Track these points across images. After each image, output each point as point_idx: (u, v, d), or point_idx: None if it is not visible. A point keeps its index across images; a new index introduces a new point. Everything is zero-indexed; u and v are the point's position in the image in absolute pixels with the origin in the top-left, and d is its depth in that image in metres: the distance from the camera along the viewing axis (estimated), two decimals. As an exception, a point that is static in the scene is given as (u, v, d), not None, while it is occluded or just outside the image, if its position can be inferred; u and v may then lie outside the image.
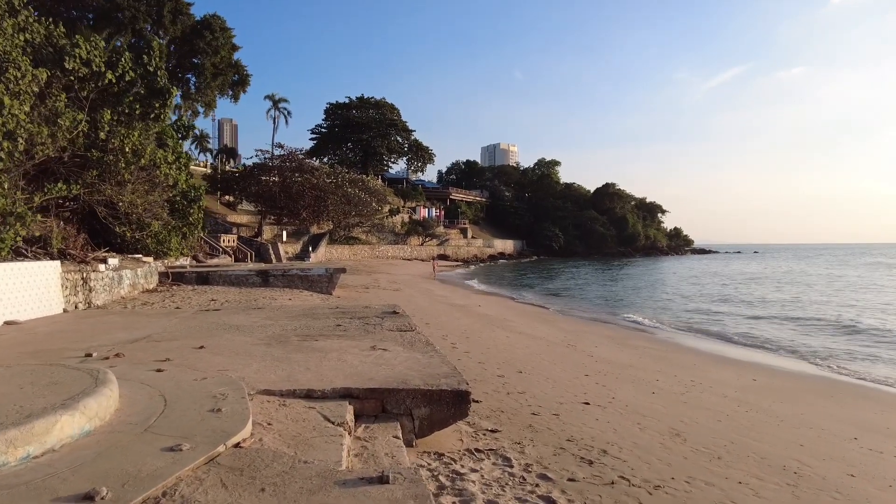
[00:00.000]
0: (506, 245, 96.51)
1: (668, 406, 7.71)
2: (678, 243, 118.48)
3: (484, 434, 5.56)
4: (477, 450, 5.08)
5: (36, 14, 13.57)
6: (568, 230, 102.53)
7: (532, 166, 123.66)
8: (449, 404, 5.01)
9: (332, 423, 4.33)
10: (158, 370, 5.54)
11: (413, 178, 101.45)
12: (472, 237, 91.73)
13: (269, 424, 4.24)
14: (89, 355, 6.43)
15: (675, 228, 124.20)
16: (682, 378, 9.97)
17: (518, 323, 16.90)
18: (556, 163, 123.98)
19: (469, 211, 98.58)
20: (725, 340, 16.16)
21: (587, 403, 7.28)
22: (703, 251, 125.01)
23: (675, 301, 28.09)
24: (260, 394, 4.96)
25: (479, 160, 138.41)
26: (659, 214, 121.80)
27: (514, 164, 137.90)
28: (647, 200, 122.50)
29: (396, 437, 4.57)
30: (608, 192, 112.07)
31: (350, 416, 4.64)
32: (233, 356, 6.52)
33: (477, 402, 6.63)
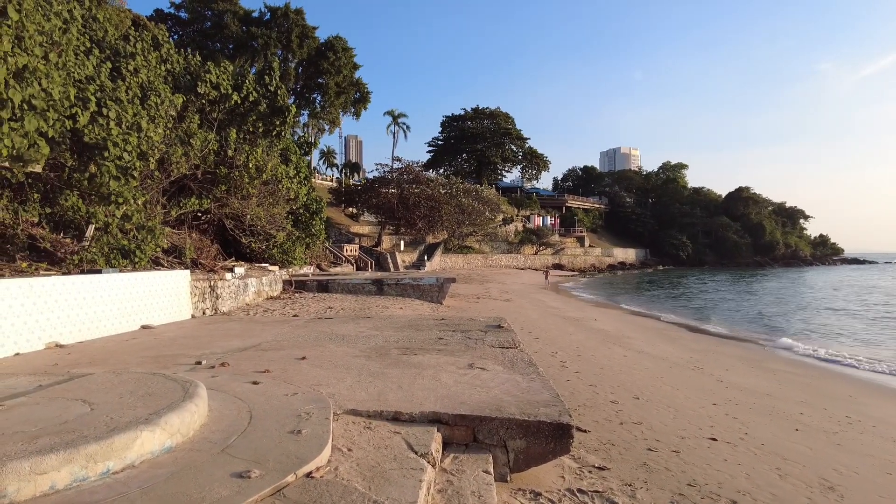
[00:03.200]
0: (626, 254, 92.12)
1: (817, 448, 6.47)
2: (824, 252, 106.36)
3: (590, 471, 4.91)
4: (580, 490, 4.46)
5: (181, 47, 15.02)
6: (696, 238, 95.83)
7: (656, 170, 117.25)
8: (548, 438, 4.44)
9: (416, 452, 3.96)
10: (255, 382, 5.56)
11: (527, 186, 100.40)
12: (590, 246, 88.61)
13: (349, 450, 3.97)
14: (199, 363, 6.68)
15: (821, 236, 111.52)
16: (834, 413, 8.45)
17: (638, 340, 15.68)
18: (682, 166, 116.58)
19: (586, 219, 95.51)
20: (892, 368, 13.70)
21: (714, 439, 6.29)
22: (855, 261, 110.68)
23: (821, 317, 24.78)
24: (347, 413, 4.74)
25: (597, 166, 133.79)
26: (801, 220, 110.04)
27: (636, 169, 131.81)
28: (787, 205, 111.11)
29: (487, 472, 4.10)
30: (741, 197, 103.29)
31: (436, 446, 4.25)
32: (330, 369, 6.44)
33: (584, 431, 5.96)
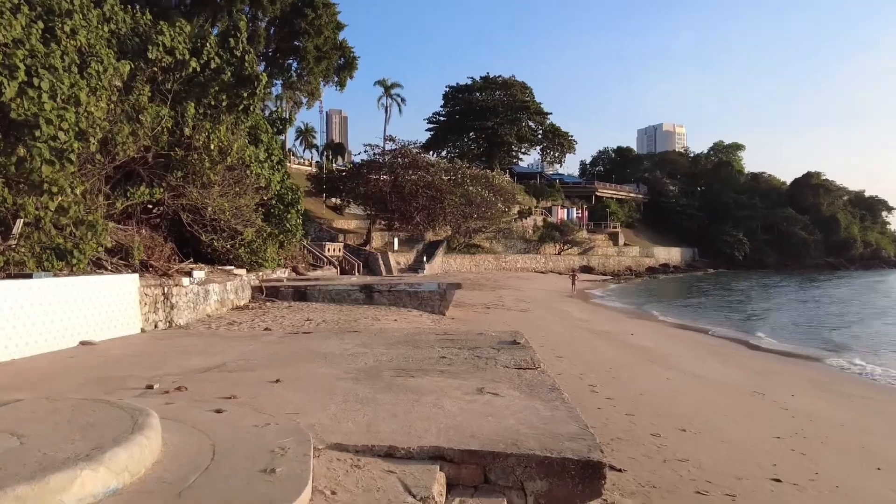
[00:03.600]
0: (670, 254, 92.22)
1: (907, 491, 6.47)
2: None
3: (627, 520, 4.92)
4: (615, 543, 4.48)
5: (128, 4, 15.07)
6: (755, 234, 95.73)
7: (705, 152, 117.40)
8: (574, 478, 4.45)
9: (414, 496, 3.98)
10: (219, 410, 5.58)
11: (548, 171, 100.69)
12: (625, 244, 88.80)
13: (332, 493, 3.98)
14: (150, 387, 6.71)
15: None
16: (928, 449, 8.44)
17: (684, 358, 15.70)
18: (737, 147, 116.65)
19: (620, 211, 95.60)
20: None
21: (778, 480, 6.30)
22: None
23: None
24: (330, 448, 4.76)
25: (634, 146, 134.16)
26: (883, 213, 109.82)
27: (681, 150, 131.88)
28: (866, 194, 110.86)
29: (501, 522, 4.11)
30: (810, 184, 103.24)
31: (439, 488, 4.26)
32: (311, 394, 6.47)
33: (619, 470, 5.97)
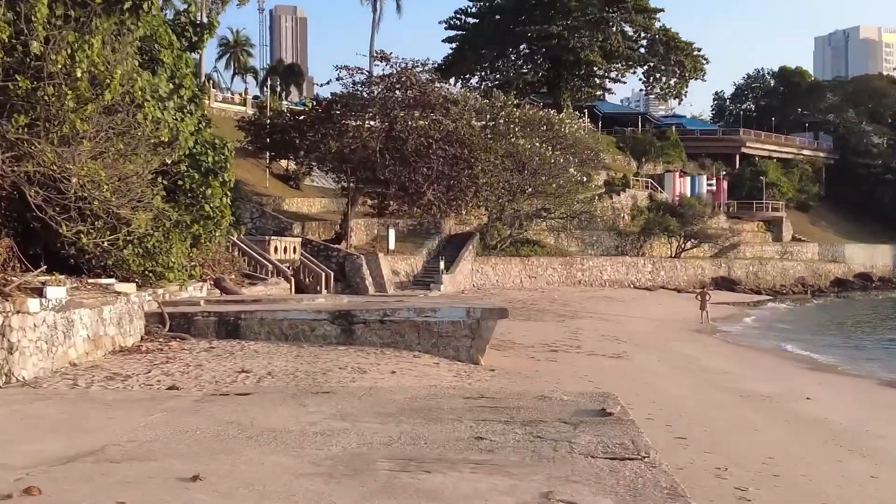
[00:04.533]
0: (873, 256, 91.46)
1: None
2: None
3: None
4: None
5: None
6: None
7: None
8: None
9: None
10: (97, 529, 5.65)
11: (657, 112, 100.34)
12: (794, 238, 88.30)
13: None
14: (-26, 491, 6.80)
15: None
16: None
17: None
18: None
19: (785, 181, 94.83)
20: None
21: None
22: None
23: None
24: None
25: (809, 67, 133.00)
26: None
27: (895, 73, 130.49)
28: None
29: None
30: None
31: None
32: None
33: None
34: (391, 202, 52.90)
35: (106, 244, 17.95)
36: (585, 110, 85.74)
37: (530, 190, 57.60)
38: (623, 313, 44.72)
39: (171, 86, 19.57)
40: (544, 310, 41.96)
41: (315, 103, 57.95)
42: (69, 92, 15.02)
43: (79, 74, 15.08)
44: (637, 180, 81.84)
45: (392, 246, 51.32)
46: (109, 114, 16.44)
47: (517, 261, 60.79)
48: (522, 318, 34.93)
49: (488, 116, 55.33)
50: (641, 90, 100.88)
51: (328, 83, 61.62)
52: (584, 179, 64.20)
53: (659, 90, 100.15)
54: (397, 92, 51.37)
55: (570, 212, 65.59)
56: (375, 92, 51.74)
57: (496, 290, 53.75)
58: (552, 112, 65.69)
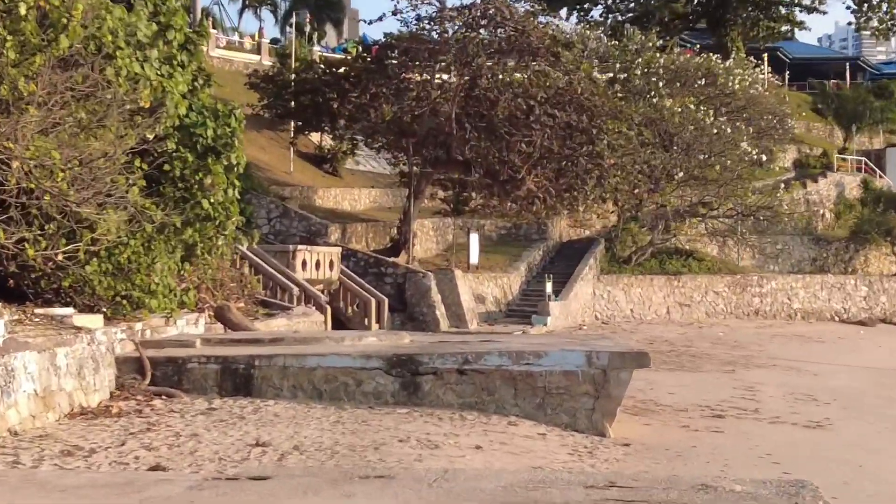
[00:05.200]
0: None
1: None
2: None
3: None
4: None
5: None
6: None
7: None
8: None
9: None
10: None
11: (872, 58, 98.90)
12: None
13: None
14: None
15: None
16: None
17: None
18: None
19: None
20: None
21: None
22: None
23: None
24: None
25: None
26: None
27: None
28: None
29: None
30: None
31: None
32: None
33: None
34: (473, 194, 52.61)
35: (60, 257, 18.09)
36: (765, 55, 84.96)
37: (681, 175, 56.73)
38: (824, 360, 43.96)
39: (155, 27, 19.65)
40: (703, 354, 41.56)
41: (361, 49, 57.68)
42: (8, 37, 15.23)
43: (22, 11, 15.27)
44: (844, 159, 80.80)
45: (475, 259, 51.08)
46: (66, 68, 16.59)
47: (661, 281, 59.94)
48: (670, 366, 34.61)
49: (618, 66, 54.73)
50: (850, 24, 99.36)
51: (380, 20, 61.23)
52: (764, 158, 63.15)
53: (877, 23, 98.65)
54: (482, 31, 51.15)
55: (741, 207, 64.10)
56: (450, 31, 51.43)
57: (630, 323, 53.31)
58: (714, 58, 64.82)
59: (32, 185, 16.67)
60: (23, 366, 15.46)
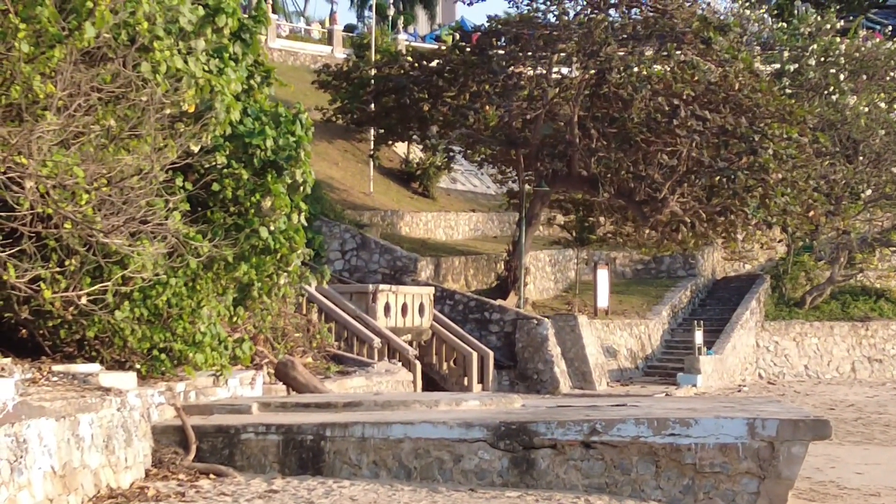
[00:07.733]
0: None
1: None
2: None
3: None
4: None
5: None
6: None
7: None
8: None
9: None
10: None
11: None
12: None
13: None
14: None
15: None
16: None
17: None
18: None
19: None
20: None
21: None
22: None
23: None
24: None
25: None
26: None
27: None
28: None
29: None
30: None
31: None
32: None
33: None
34: (601, 219, 52.56)
35: (84, 300, 18.25)
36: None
37: (869, 192, 56.23)
38: None
39: (202, 11, 19.66)
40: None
41: (459, 37, 57.67)
42: (21, 26, 15.41)
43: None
44: None
45: (604, 302, 51.00)
46: (92, 64, 16.76)
47: (845, 328, 59.33)
48: (857, 437, 34.38)
49: (787, 54, 54.53)
50: None
51: (481, 0, 61.16)
52: None
53: None
54: (612, 11, 51.12)
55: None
56: (571, 13, 51.40)
57: (804, 384, 53.08)
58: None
59: (50, 210, 16.71)
60: (38, 437, 15.30)
